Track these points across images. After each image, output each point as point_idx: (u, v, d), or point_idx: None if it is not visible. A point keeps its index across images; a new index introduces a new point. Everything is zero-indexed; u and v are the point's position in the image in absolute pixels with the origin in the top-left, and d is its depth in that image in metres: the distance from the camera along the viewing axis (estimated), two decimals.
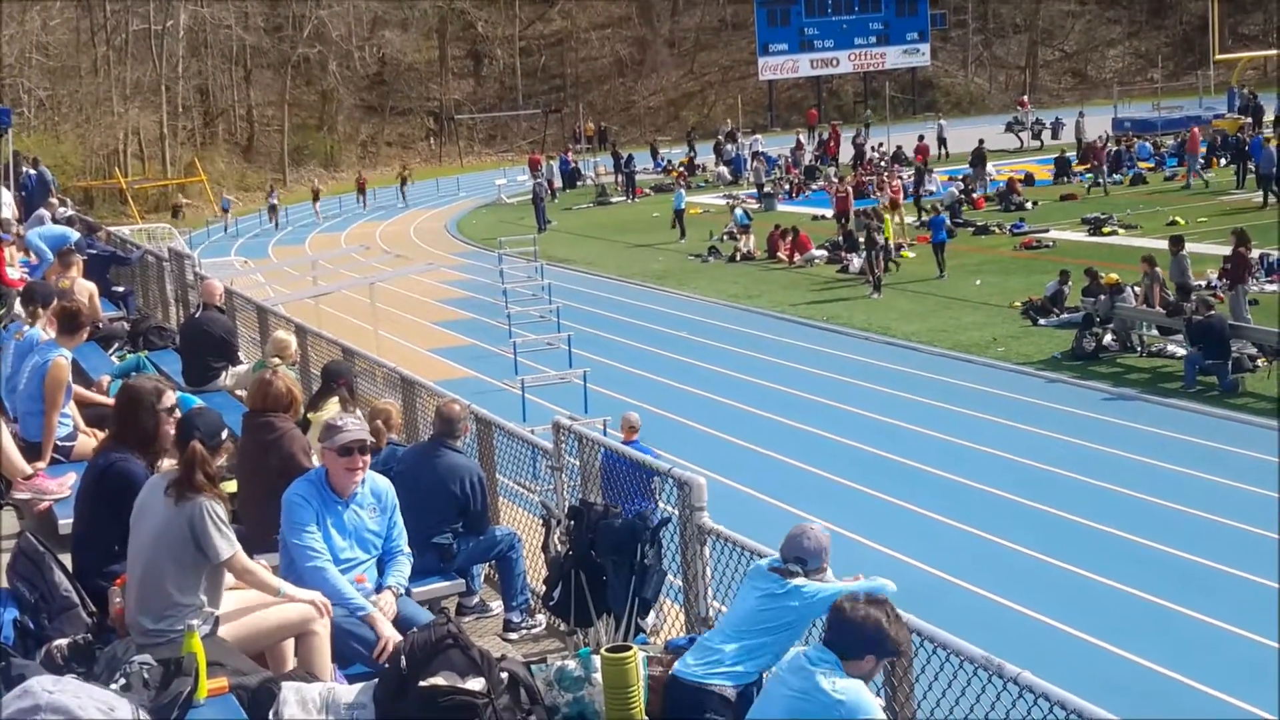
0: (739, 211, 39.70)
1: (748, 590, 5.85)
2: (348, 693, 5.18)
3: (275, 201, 56.43)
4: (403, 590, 6.48)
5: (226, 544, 5.52)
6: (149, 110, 70.68)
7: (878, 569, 5.98)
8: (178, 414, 6.44)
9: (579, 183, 60.72)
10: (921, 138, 52.28)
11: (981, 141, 46.72)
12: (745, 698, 5.68)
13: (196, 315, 12.62)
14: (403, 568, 6.54)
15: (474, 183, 65.38)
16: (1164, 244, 25.63)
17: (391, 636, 5.91)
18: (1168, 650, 11.87)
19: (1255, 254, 25.77)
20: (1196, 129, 46.00)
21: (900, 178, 42.78)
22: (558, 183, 59.03)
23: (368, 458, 6.41)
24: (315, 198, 58.13)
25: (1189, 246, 24.80)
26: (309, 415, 8.90)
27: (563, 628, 7.85)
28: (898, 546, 13.85)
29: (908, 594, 5.76)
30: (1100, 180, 43.14)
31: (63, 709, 3.11)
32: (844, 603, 4.86)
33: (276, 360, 10.56)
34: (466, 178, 68.19)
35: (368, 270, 33.47)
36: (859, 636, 4.84)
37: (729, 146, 61.06)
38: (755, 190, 48.08)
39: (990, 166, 46.24)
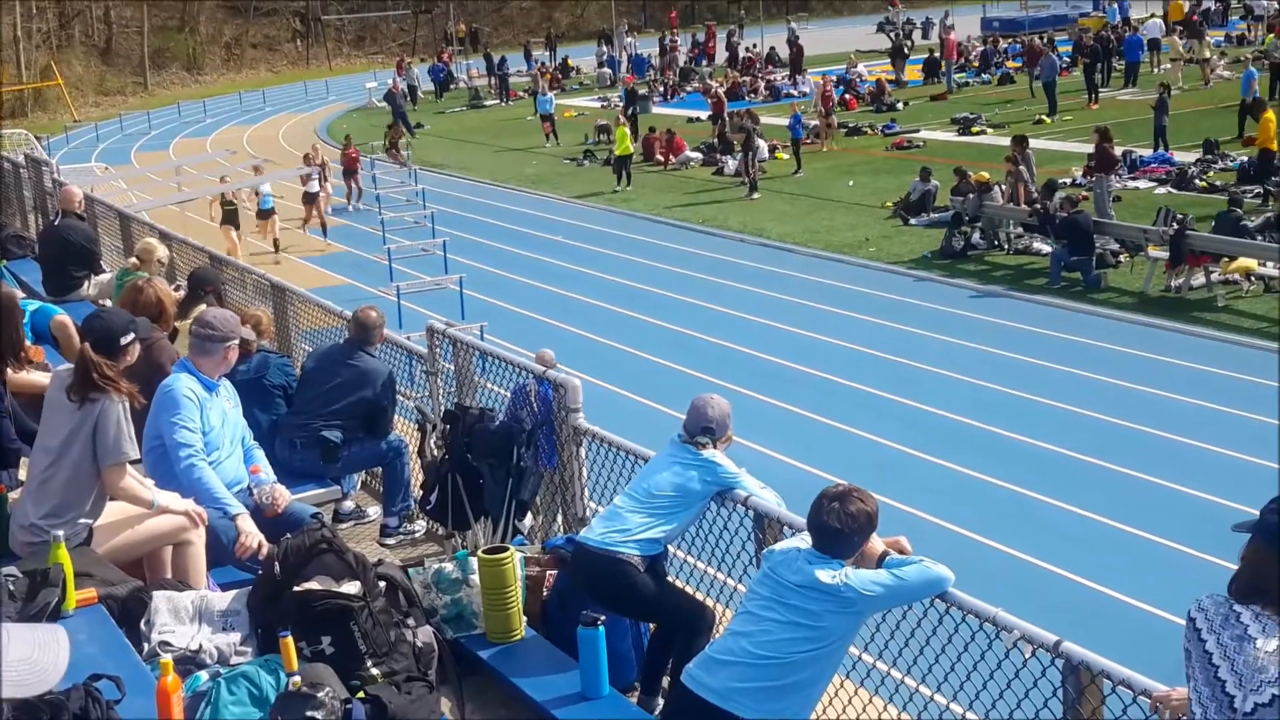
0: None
1: (661, 461, 5.95)
2: (221, 600, 5.16)
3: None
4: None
5: (116, 451, 5.48)
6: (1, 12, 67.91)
7: (753, 468, 6.08)
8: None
9: (452, 86, 59.72)
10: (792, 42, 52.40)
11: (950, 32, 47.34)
12: (653, 568, 5.79)
13: (55, 223, 12.27)
14: (265, 460, 6.90)
15: (343, 86, 63.97)
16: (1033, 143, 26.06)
17: (252, 532, 5.95)
18: (1031, 538, 12.24)
19: (1118, 151, 26.35)
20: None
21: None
22: (426, 86, 57.77)
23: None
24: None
25: (1056, 145, 25.22)
26: (177, 324, 8.76)
27: (440, 532, 7.88)
28: (772, 445, 14.06)
29: (786, 493, 5.87)
30: (947, 76, 43.95)
31: None
32: (831, 520, 4.74)
33: (135, 261, 10.37)
34: (336, 81, 66.70)
35: (235, 176, 32.72)
36: (857, 533, 4.80)
37: (604, 48, 60.50)
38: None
39: (861, 67, 46.50)
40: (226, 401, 6.61)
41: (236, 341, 6.64)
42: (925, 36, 58.13)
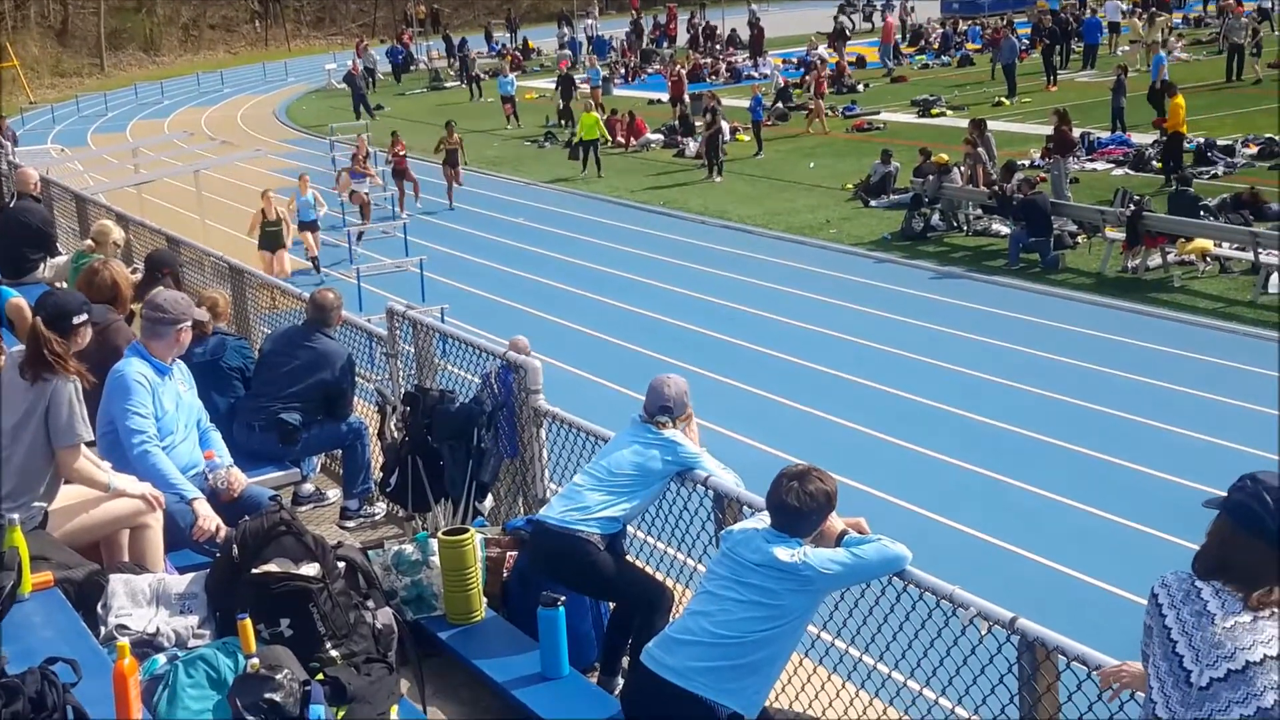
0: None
1: (621, 440, 5.97)
2: (179, 583, 5.13)
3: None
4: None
5: (69, 432, 5.45)
6: None
7: (717, 451, 6.10)
8: None
9: (412, 67, 59.38)
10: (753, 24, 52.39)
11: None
12: (612, 547, 5.80)
13: (11, 205, 12.17)
14: (222, 443, 6.81)
15: (303, 67, 63.58)
16: (992, 125, 26.20)
17: (209, 516, 5.93)
18: (991, 518, 12.32)
19: (1077, 132, 26.52)
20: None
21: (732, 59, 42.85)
22: (384, 67, 57.24)
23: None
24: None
25: (1015, 127, 25.37)
26: (133, 308, 8.70)
27: (401, 514, 7.87)
28: (735, 427, 14.10)
29: (747, 474, 5.89)
30: (888, 61, 44.15)
31: None
32: (790, 499, 4.77)
33: (90, 244, 10.30)
34: (295, 62, 66.29)
35: (192, 158, 32.46)
36: (816, 512, 4.83)
37: (564, 30, 60.33)
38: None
39: (822, 49, 46.52)
40: (181, 384, 6.56)
41: (189, 323, 6.58)
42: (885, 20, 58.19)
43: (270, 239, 22.26)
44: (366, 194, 25.69)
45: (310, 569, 4.94)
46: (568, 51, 56.96)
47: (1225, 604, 3.60)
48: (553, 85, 47.21)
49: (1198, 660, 3.58)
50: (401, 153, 28.34)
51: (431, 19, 71.88)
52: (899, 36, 49.67)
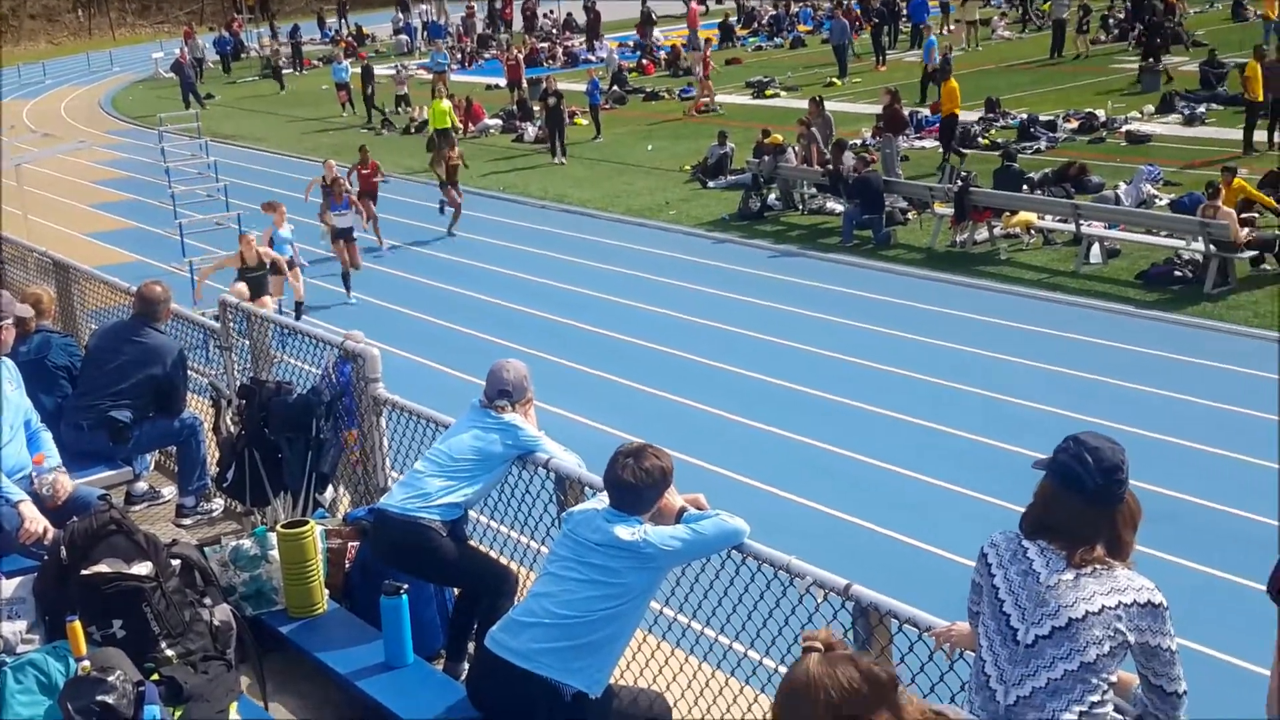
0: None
1: (462, 426, 5.94)
2: (5, 588, 5.00)
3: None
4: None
5: None
6: None
7: (561, 434, 6.11)
8: None
9: (243, 55, 58.17)
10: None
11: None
12: (454, 533, 5.78)
13: None
14: (52, 444, 6.62)
15: (129, 57, 61.83)
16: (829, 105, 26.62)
17: (36, 518, 5.77)
18: (838, 493, 12.56)
19: (906, 111, 27.08)
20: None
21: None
22: (213, 57, 55.88)
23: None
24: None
25: (846, 106, 25.80)
26: None
27: (239, 509, 7.74)
28: (581, 410, 14.14)
29: (589, 456, 5.91)
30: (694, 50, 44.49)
31: None
32: (626, 476, 4.82)
33: None
34: (120, 51, 64.47)
35: (14, 151, 31.36)
36: (652, 488, 4.87)
37: (399, 15, 59.65)
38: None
39: (658, 32, 46.80)
40: (8, 384, 6.37)
41: (9, 321, 6.40)
42: (720, 1, 58.68)
43: (257, 284, 17.89)
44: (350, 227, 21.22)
45: (142, 568, 4.85)
46: (404, 37, 56.35)
47: (1050, 563, 3.74)
48: (390, 71, 46.76)
49: (1024, 619, 3.70)
50: (370, 173, 24.11)
51: (261, 5, 70.42)
52: (736, 19, 50.12)
